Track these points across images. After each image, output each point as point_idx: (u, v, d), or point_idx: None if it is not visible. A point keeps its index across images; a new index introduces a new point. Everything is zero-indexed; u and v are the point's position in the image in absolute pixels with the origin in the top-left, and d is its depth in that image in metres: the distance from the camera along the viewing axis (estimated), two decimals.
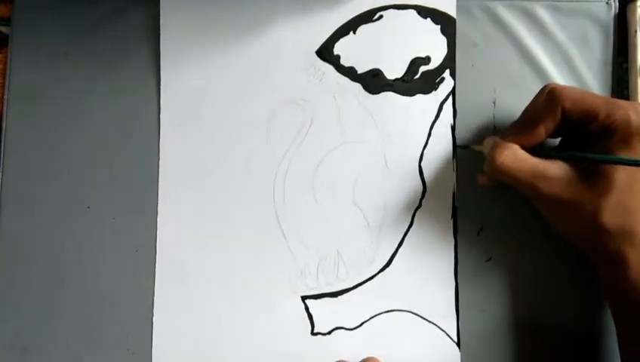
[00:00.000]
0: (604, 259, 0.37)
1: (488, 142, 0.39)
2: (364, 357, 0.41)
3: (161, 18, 0.43)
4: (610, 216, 0.35)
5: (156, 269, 0.42)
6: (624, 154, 0.35)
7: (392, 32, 0.43)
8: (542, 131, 0.37)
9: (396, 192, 0.42)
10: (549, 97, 0.37)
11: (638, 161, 0.35)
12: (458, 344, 0.41)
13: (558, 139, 0.40)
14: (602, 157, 0.36)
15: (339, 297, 0.41)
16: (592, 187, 0.36)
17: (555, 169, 0.36)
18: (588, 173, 0.36)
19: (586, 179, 0.36)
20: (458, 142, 0.42)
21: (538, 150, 0.38)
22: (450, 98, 0.43)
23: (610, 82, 0.43)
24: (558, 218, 0.38)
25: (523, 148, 0.37)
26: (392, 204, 0.42)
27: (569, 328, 0.41)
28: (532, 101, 0.39)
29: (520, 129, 0.38)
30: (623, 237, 0.35)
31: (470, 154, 0.42)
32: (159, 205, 0.42)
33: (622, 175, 0.35)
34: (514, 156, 0.37)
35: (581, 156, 0.36)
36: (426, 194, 0.42)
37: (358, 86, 0.43)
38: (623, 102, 0.36)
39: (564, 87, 0.37)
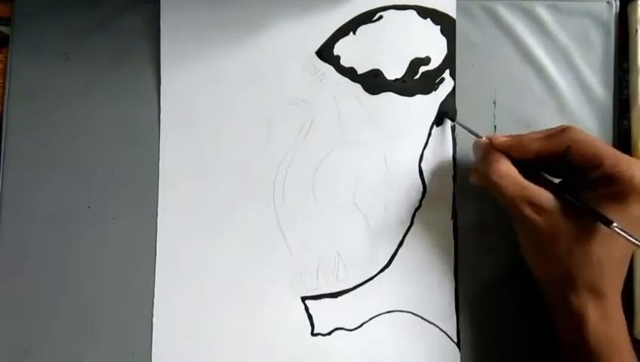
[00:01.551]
0: (566, 310, 0.36)
1: (479, 145, 0.39)
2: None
3: (161, 18, 0.43)
4: (580, 267, 0.35)
5: (156, 269, 0.42)
6: (618, 209, 0.34)
7: (392, 32, 0.43)
8: (534, 149, 0.37)
9: (396, 192, 0.42)
10: (559, 131, 0.36)
11: (607, 219, 0.34)
12: (458, 344, 0.41)
13: (558, 180, 0.39)
14: (580, 204, 0.35)
15: (339, 298, 0.41)
16: (573, 230, 0.35)
17: (543, 197, 0.36)
18: (573, 214, 0.35)
19: (569, 219, 0.35)
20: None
21: (529, 171, 0.37)
22: (450, 98, 0.43)
23: (611, 81, 0.43)
24: (532, 248, 0.37)
25: (516, 163, 0.37)
26: (392, 205, 0.42)
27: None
28: (544, 130, 0.38)
29: (517, 140, 0.37)
30: (589, 292, 0.35)
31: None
32: (159, 205, 0.42)
33: (604, 228, 0.34)
34: (507, 173, 0.36)
35: (563, 194, 0.36)
36: (426, 194, 0.42)
37: (358, 86, 0.43)
38: (631, 159, 0.35)
39: (580, 131, 0.36)
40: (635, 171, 0.34)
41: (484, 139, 0.39)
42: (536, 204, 0.35)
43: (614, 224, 0.33)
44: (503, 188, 0.36)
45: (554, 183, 0.37)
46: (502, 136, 0.38)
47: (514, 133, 0.38)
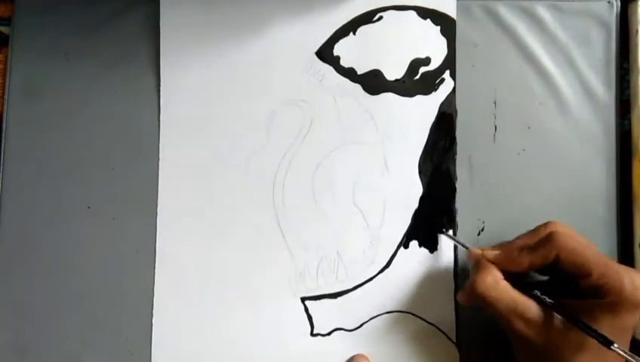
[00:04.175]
0: None
1: (472, 255, 0.38)
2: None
3: (161, 18, 0.43)
4: None
5: (156, 269, 0.42)
6: (608, 320, 0.33)
7: (392, 32, 0.43)
8: (526, 264, 0.36)
9: (396, 193, 0.42)
10: (547, 239, 0.36)
11: (607, 340, 0.33)
12: (457, 345, 0.41)
13: (546, 278, 0.39)
14: (579, 323, 0.34)
15: (338, 298, 0.41)
16: (566, 341, 0.34)
17: (533, 310, 0.35)
18: (564, 326, 0.34)
19: (561, 329, 0.34)
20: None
21: (522, 283, 0.36)
22: (451, 98, 0.42)
23: (612, 82, 0.43)
24: (525, 358, 0.37)
25: (505, 272, 0.36)
26: (392, 205, 0.42)
27: None
28: (531, 231, 0.38)
29: (507, 253, 0.37)
30: None
31: (472, 159, 0.42)
32: (159, 205, 0.42)
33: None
34: (495, 285, 0.36)
35: (560, 312, 0.35)
36: (426, 195, 0.42)
37: (357, 87, 0.42)
38: (619, 268, 0.34)
39: (565, 234, 0.35)
40: (624, 282, 0.33)
41: (474, 250, 0.38)
42: (528, 318, 0.35)
43: (615, 345, 0.32)
44: (492, 301, 0.35)
45: (544, 297, 0.36)
46: (490, 249, 0.38)
47: (500, 243, 0.38)
